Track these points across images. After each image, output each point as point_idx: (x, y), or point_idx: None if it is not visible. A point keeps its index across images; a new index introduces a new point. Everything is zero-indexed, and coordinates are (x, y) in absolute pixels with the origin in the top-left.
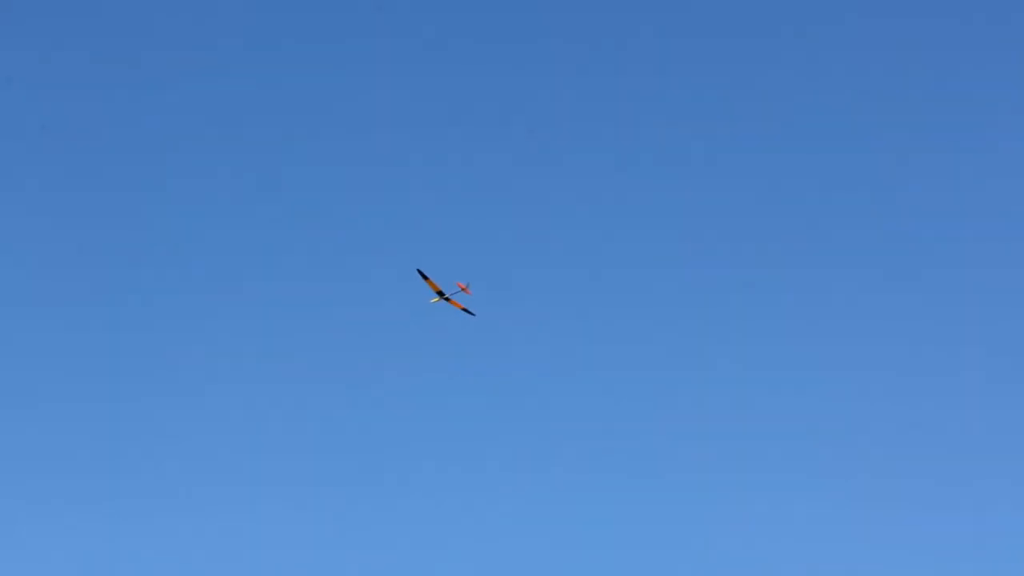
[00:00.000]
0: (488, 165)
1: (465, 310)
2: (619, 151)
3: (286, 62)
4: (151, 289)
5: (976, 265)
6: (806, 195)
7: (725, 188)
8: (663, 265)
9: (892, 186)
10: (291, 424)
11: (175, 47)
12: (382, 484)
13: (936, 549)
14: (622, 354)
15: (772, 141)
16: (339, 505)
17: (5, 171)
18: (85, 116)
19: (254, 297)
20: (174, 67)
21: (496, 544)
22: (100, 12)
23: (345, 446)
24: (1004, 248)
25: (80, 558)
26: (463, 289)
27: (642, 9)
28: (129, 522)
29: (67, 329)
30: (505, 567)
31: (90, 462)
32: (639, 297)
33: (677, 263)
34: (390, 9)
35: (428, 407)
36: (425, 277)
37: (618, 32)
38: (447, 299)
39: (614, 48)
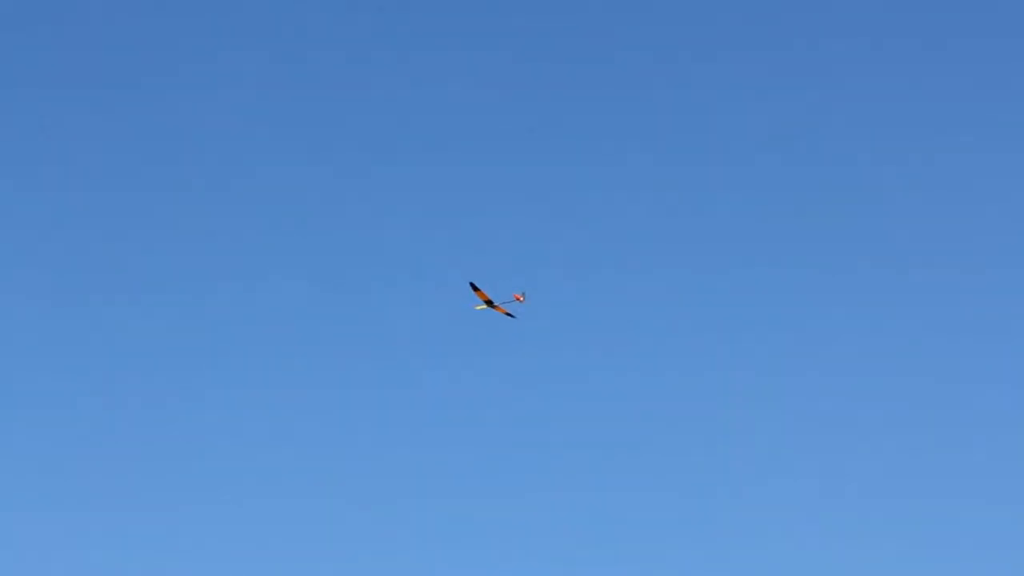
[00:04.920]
0: (488, 164)
1: (508, 314)
2: (620, 150)
3: (287, 63)
4: (151, 289)
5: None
6: (808, 196)
7: (730, 188)
8: (664, 265)
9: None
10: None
11: (177, 47)
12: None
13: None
14: (624, 352)
15: (775, 142)
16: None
17: (5, 171)
18: (85, 116)
19: (256, 298)
20: (176, 68)
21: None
22: (101, 12)
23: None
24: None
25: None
26: (518, 299)
27: (643, 10)
28: (126, 524)
29: (66, 328)
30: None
31: (87, 463)
32: (638, 297)
33: (681, 263)
34: (391, 9)
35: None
36: (476, 288)
37: (619, 31)
38: (495, 307)
39: (615, 47)
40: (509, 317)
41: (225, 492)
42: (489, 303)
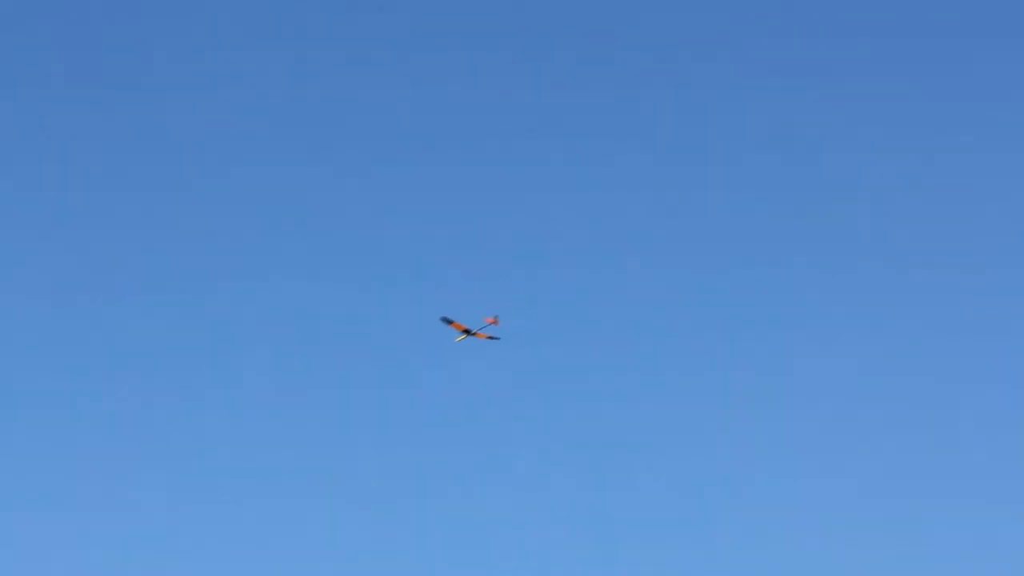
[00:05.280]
0: (488, 163)
1: (490, 337)
2: (618, 149)
3: (287, 63)
4: (152, 289)
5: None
6: (808, 196)
7: (730, 188)
8: (664, 265)
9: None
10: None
11: (177, 47)
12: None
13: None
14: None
15: (774, 143)
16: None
17: (5, 171)
18: (85, 117)
19: (256, 298)
20: (176, 68)
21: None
22: (101, 12)
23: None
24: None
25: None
26: (492, 322)
27: (644, 9)
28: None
29: (66, 328)
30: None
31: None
32: (638, 296)
33: (680, 263)
34: (391, 9)
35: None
36: (450, 322)
37: (619, 31)
38: (474, 334)
39: (615, 47)
40: (494, 340)
41: (225, 492)
42: (467, 332)
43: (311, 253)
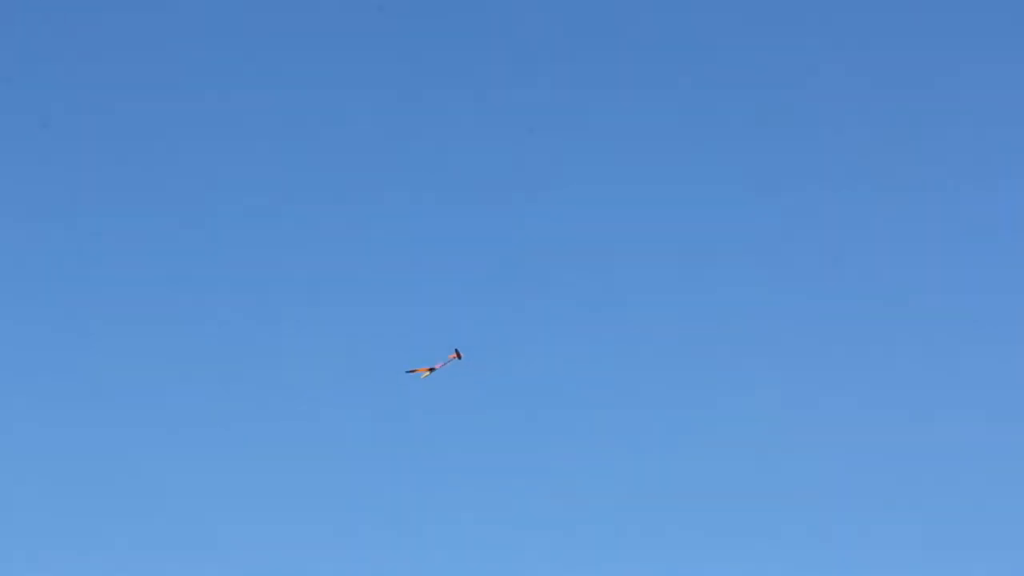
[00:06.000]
0: (486, 162)
1: (454, 359)
2: (619, 150)
3: (284, 62)
4: (152, 290)
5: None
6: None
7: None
8: (659, 254)
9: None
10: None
11: (176, 45)
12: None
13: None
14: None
15: (772, 143)
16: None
17: (5, 171)
18: (85, 115)
19: (237, 296)
20: (174, 65)
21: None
22: (100, 10)
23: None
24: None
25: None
26: (454, 357)
27: (644, 9)
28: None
29: (66, 329)
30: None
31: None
32: (633, 293)
33: (677, 257)
34: (391, 9)
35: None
36: (413, 370)
37: (619, 31)
38: (437, 367)
39: (615, 47)
40: (459, 359)
41: (219, 492)
42: (431, 370)
43: (310, 253)
